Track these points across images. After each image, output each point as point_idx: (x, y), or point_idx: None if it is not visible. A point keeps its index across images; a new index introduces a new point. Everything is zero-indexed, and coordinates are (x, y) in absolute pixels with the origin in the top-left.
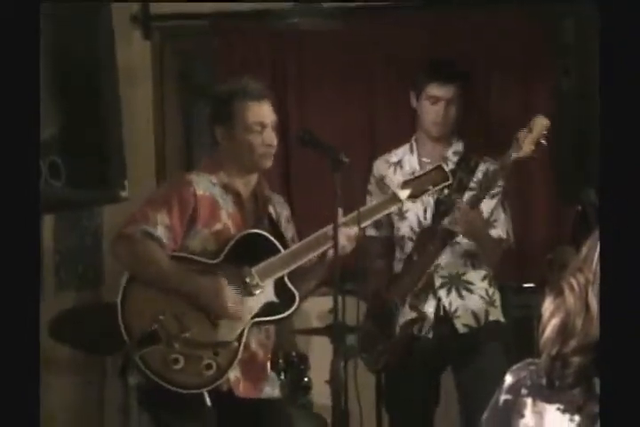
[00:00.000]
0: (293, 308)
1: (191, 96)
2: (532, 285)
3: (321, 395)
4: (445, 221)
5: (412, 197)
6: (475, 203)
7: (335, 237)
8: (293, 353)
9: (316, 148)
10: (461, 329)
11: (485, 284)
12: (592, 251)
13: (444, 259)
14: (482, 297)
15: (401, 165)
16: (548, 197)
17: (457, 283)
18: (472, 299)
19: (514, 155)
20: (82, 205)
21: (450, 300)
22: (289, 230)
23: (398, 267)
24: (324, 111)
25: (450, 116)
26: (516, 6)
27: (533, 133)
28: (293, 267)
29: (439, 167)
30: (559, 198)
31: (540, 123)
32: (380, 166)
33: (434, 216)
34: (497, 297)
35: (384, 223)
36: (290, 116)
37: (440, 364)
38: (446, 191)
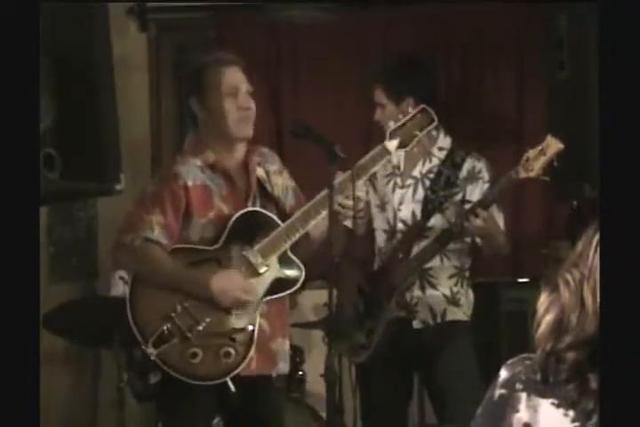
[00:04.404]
0: (301, 279)
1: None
2: (526, 280)
3: (315, 388)
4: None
5: (402, 146)
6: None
7: (331, 230)
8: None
9: (313, 141)
10: (416, 324)
11: (452, 282)
12: (587, 246)
13: (414, 251)
14: (444, 295)
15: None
16: (543, 192)
17: (422, 275)
18: (433, 295)
19: (523, 174)
20: (77, 198)
21: (411, 293)
22: (279, 185)
23: (379, 261)
24: (320, 102)
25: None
26: (513, 2)
27: (546, 156)
28: (295, 239)
29: (423, 109)
30: (555, 193)
31: (554, 146)
32: None
33: (422, 214)
34: (463, 296)
35: (363, 215)
36: (285, 107)
37: (403, 358)
38: (433, 188)
